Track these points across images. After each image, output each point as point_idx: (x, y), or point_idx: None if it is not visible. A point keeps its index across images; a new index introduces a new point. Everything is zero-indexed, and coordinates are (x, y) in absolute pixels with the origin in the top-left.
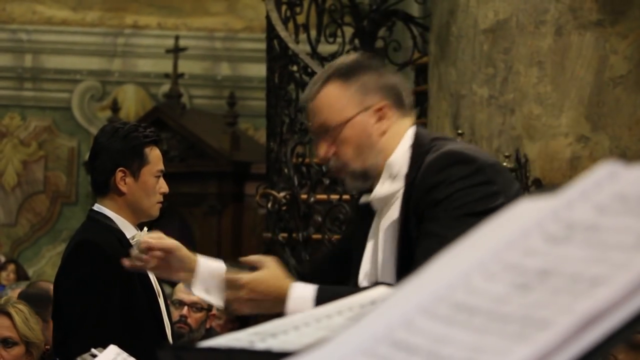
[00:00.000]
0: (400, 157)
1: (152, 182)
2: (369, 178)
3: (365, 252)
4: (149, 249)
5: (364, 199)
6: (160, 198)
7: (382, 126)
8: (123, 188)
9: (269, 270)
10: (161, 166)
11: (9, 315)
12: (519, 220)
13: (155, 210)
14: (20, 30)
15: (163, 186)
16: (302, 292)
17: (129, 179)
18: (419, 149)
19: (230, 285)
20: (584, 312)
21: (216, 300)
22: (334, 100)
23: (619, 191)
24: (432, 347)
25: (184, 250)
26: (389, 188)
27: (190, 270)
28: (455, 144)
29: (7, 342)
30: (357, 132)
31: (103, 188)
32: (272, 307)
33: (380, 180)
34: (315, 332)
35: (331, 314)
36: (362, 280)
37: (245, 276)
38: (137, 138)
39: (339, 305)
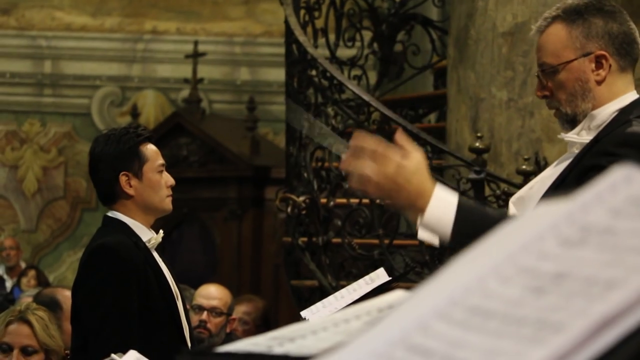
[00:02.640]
0: (606, 114)
1: (156, 178)
2: (577, 122)
3: (535, 179)
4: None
5: (561, 135)
6: (169, 192)
7: (600, 74)
8: (130, 191)
9: (418, 162)
10: (161, 160)
11: (29, 323)
12: (534, 224)
13: (167, 204)
14: (40, 37)
15: (169, 179)
16: (446, 195)
17: (133, 181)
18: (623, 116)
19: (378, 157)
20: (598, 315)
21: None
22: (556, 41)
23: (634, 194)
24: (448, 351)
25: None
26: (581, 136)
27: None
28: None
29: (26, 351)
30: (573, 77)
31: (111, 196)
32: (405, 199)
33: (579, 126)
34: (333, 336)
35: (349, 318)
36: (512, 201)
37: (397, 156)
38: (131, 139)
39: (357, 309)
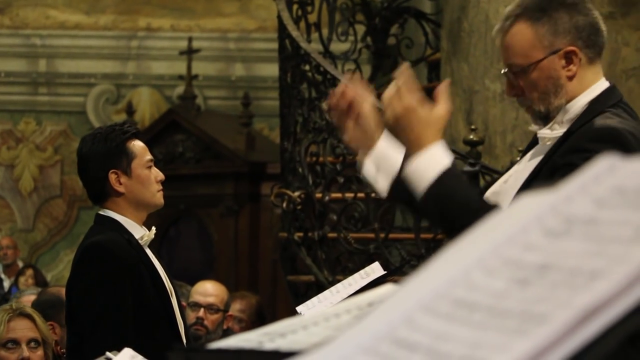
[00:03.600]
0: (577, 107)
1: (145, 174)
2: (551, 118)
3: (508, 172)
4: (342, 95)
5: (533, 127)
6: (159, 186)
7: (571, 70)
8: (120, 188)
9: (434, 116)
10: (149, 156)
11: (30, 317)
12: (519, 215)
13: (158, 199)
14: (34, 35)
15: (158, 174)
16: (437, 156)
17: (123, 178)
18: (595, 106)
19: (396, 95)
20: (582, 306)
21: (381, 184)
22: (522, 41)
23: (618, 184)
24: (433, 344)
25: (371, 123)
26: (554, 131)
27: (369, 144)
28: (628, 121)
29: (32, 344)
30: (544, 76)
31: (102, 195)
32: (405, 139)
33: (552, 120)
34: (323, 331)
35: (340, 313)
36: (487, 195)
37: (415, 100)
38: (117, 136)
39: (348, 304)
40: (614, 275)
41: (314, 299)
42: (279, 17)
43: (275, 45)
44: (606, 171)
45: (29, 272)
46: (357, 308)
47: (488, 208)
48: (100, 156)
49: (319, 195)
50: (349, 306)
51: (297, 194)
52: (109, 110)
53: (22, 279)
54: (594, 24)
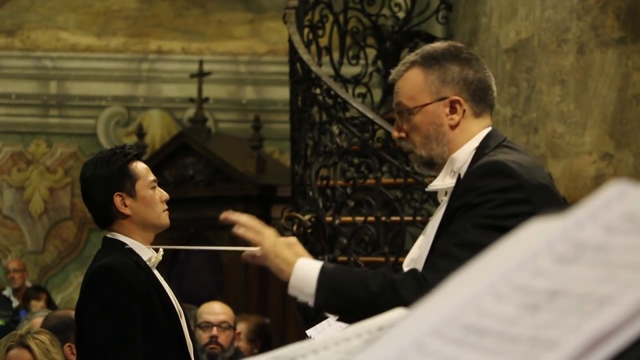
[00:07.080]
0: (464, 155)
1: (150, 194)
2: (435, 165)
3: (419, 237)
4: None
5: (428, 188)
6: (165, 206)
7: (454, 119)
8: (126, 211)
9: (286, 240)
10: (152, 176)
11: (28, 348)
12: (529, 241)
13: (164, 219)
14: (45, 58)
15: (163, 194)
16: (307, 271)
17: (128, 201)
18: (481, 151)
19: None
20: (592, 332)
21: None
22: (413, 84)
23: (628, 211)
24: None
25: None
26: (445, 182)
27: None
28: (511, 154)
29: None
30: (428, 120)
31: (108, 219)
32: (279, 270)
33: (442, 173)
34: (333, 355)
35: (350, 337)
36: (406, 264)
37: (272, 234)
38: (119, 159)
39: (358, 328)
40: (624, 301)
41: (324, 323)
42: (290, 40)
43: (286, 69)
44: (616, 197)
45: (44, 296)
46: (367, 332)
47: (380, 290)
48: (104, 180)
49: (329, 218)
50: (359, 330)
51: (307, 217)
52: (120, 132)
53: (37, 304)
54: (483, 81)
